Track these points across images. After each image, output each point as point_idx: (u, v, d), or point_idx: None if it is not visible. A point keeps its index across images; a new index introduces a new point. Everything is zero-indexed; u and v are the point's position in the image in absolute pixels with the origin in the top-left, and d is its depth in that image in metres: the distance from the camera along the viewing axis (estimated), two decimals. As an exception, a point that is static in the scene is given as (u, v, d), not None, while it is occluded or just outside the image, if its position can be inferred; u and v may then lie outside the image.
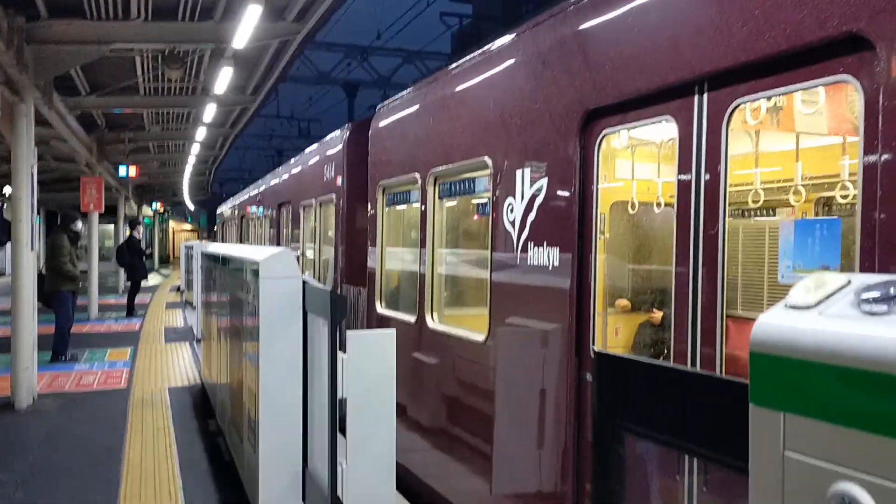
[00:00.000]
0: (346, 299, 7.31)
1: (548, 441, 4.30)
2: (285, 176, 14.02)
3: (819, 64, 2.67)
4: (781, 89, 2.86)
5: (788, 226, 2.99)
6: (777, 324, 1.09)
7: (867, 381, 0.93)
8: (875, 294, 1.02)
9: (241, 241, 21.01)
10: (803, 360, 1.02)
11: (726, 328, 5.69)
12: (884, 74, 2.41)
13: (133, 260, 19.43)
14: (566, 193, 4.17)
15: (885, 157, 2.40)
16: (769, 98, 3.36)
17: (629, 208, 5.02)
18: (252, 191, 19.51)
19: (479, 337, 5.12)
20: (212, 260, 8.79)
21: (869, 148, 2.47)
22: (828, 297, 1.09)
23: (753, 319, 4.24)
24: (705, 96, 3.20)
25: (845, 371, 0.96)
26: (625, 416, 1.51)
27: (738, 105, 3.06)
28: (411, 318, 6.30)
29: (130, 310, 19.23)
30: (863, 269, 2.46)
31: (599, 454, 1.61)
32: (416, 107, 6.70)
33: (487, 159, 5.06)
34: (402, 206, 7.21)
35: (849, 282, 1.11)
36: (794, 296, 1.12)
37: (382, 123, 7.48)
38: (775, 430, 1.05)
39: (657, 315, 5.64)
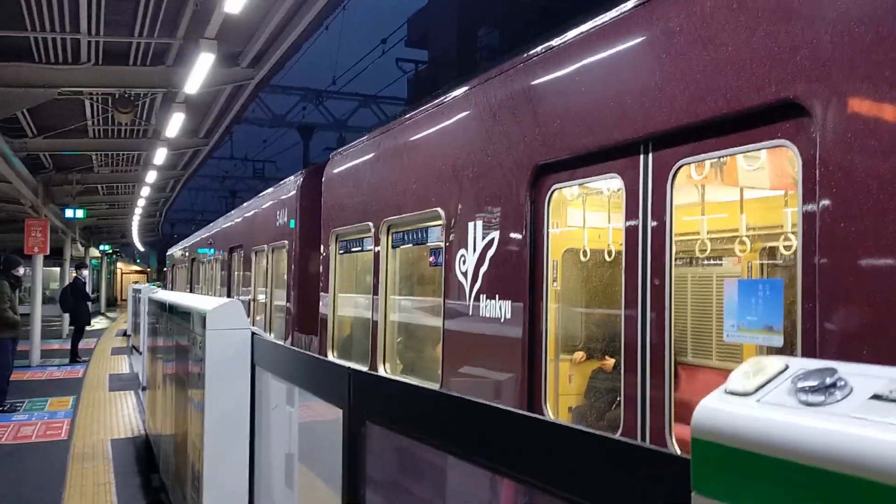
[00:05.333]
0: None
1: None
2: (237, 220, 13.87)
3: (758, 128, 2.75)
4: (723, 152, 2.94)
5: (732, 285, 3.05)
6: (717, 410, 1.09)
7: (803, 474, 0.93)
8: (811, 383, 1.03)
9: (191, 285, 20.62)
10: (742, 450, 1.02)
11: (676, 375, 5.74)
12: (819, 140, 2.49)
13: (77, 304, 18.89)
14: (517, 247, 4.19)
15: (822, 220, 2.47)
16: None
17: (581, 256, 5.08)
18: (203, 234, 19.24)
19: (432, 388, 5.06)
20: (159, 307, 8.59)
21: (807, 212, 2.54)
22: (766, 382, 1.10)
23: (703, 367, 4.29)
24: (650, 156, 3.26)
25: (781, 463, 0.96)
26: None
27: (682, 165, 3.13)
28: (364, 368, 6.22)
29: (74, 356, 18.61)
30: (804, 330, 2.51)
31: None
32: (370, 155, 6.71)
33: (440, 210, 5.08)
34: (356, 254, 7.17)
35: (786, 367, 1.12)
36: (733, 381, 1.12)
37: (336, 170, 7.47)
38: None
39: (609, 362, 5.67)
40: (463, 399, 2.13)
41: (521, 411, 1.74)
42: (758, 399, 1.06)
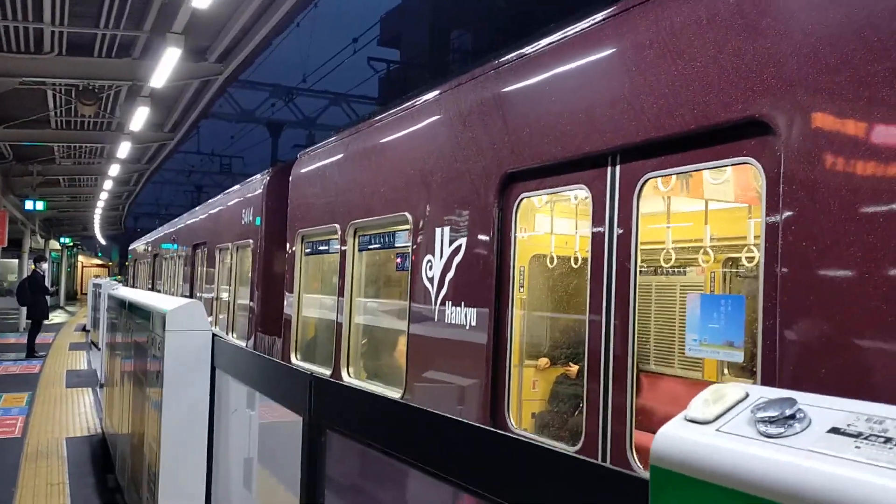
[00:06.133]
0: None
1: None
2: (202, 216, 13.68)
3: (724, 144, 2.77)
4: (689, 167, 2.95)
5: (695, 300, 3.07)
6: (676, 437, 1.08)
7: (761, 507, 0.92)
8: (770, 414, 1.03)
9: (153, 281, 20.29)
10: (699, 480, 1.01)
11: (639, 383, 5.78)
12: (783, 158, 2.51)
13: (35, 297, 18.47)
14: (484, 254, 4.18)
15: (784, 237, 2.49)
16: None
17: (548, 262, 5.09)
18: (167, 229, 18.95)
19: (395, 394, 5.04)
20: (119, 304, 8.43)
21: (770, 229, 2.56)
22: (726, 411, 1.09)
23: (666, 375, 4.32)
24: (618, 168, 3.27)
25: (738, 495, 0.96)
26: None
27: (649, 178, 3.14)
28: (326, 372, 6.16)
29: (31, 350, 18.19)
30: (764, 348, 2.53)
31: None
32: (338, 156, 6.65)
33: (408, 214, 5.05)
34: (322, 256, 7.11)
35: (746, 395, 1.12)
36: (693, 409, 1.11)
37: (303, 170, 7.39)
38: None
39: (573, 368, 5.69)
40: (422, 410, 2.11)
41: (480, 425, 1.72)
42: (717, 428, 1.05)
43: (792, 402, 1.04)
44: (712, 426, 1.06)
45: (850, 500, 0.85)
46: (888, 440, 0.91)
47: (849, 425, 0.97)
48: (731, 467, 0.97)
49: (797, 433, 0.98)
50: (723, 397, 1.11)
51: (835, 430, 0.97)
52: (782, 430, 0.99)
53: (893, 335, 2.19)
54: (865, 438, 0.93)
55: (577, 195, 4.72)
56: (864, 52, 2.31)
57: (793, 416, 1.01)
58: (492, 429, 1.61)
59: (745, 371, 4.96)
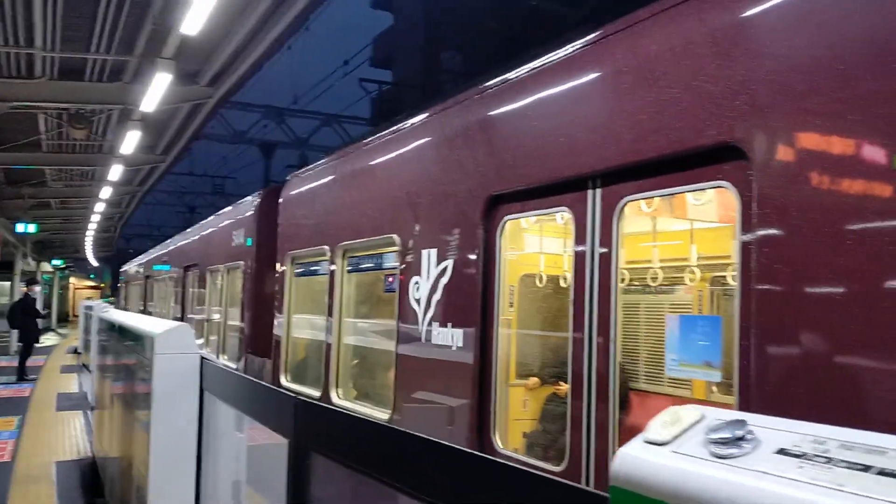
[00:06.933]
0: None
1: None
2: (194, 238, 13.70)
3: (700, 168, 2.84)
4: (667, 190, 3.02)
5: (674, 321, 3.12)
6: (634, 458, 1.13)
7: (712, 526, 0.97)
8: (722, 435, 1.07)
9: (144, 302, 20.25)
10: (656, 500, 1.05)
11: (628, 401, 5.80)
12: (756, 182, 2.58)
13: (25, 320, 18.39)
14: (470, 275, 4.23)
15: (759, 259, 2.55)
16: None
17: (537, 281, 5.13)
18: (159, 251, 18.94)
19: (384, 415, 5.06)
20: (109, 327, 8.42)
21: (745, 251, 2.62)
22: (682, 433, 1.14)
23: (656, 393, 4.35)
24: (598, 192, 3.34)
25: (693, 515, 1.00)
26: None
27: (629, 201, 3.20)
28: (316, 393, 6.18)
29: (21, 374, 18.07)
30: (741, 367, 2.58)
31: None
32: (327, 179, 6.71)
33: (395, 237, 5.10)
34: (311, 277, 7.14)
35: (702, 417, 1.16)
36: (651, 430, 1.16)
37: (293, 192, 7.45)
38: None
39: (563, 388, 5.71)
40: (403, 433, 2.14)
41: (457, 447, 1.76)
42: (673, 449, 1.10)
43: (742, 423, 1.08)
44: (668, 447, 1.10)
45: (792, 518, 0.90)
46: (829, 460, 0.96)
47: (794, 446, 1.02)
48: (684, 487, 1.01)
49: (746, 454, 1.03)
50: (680, 419, 1.15)
51: (781, 451, 1.02)
52: (733, 450, 1.04)
53: (865, 352, 2.24)
54: (809, 459, 0.98)
55: (564, 216, 4.79)
56: (830, 79, 2.38)
57: (742, 438, 1.06)
58: (460, 447, 1.65)
59: (732, 389, 5.00)
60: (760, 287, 2.53)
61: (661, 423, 1.16)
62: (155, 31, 8.35)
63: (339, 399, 5.89)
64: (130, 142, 12.17)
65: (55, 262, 41.06)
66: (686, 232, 4.97)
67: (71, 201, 23.46)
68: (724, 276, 5.34)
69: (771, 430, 1.08)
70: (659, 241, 5.07)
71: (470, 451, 1.67)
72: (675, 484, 1.03)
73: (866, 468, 0.92)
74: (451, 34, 31.82)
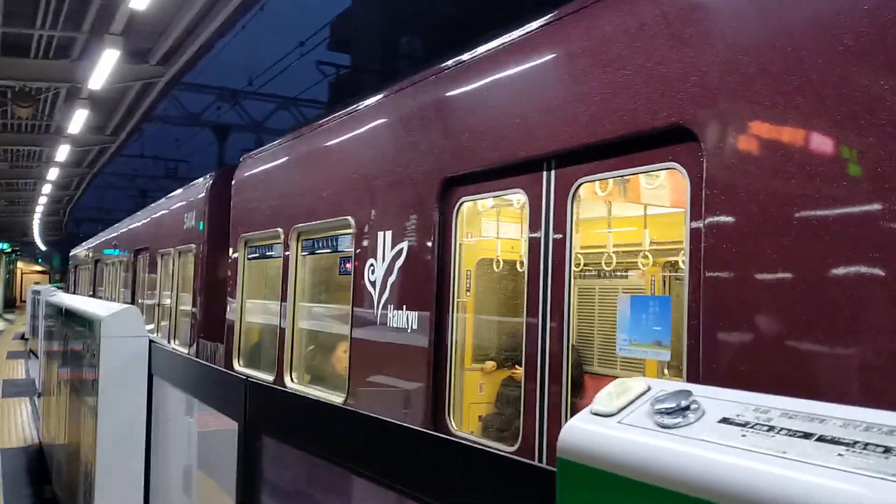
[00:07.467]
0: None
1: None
2: (144, 221, 13.40)
3: (652, 150, 2.85)
4: (620, 172, 3.03)
5: (625, 300, 3.15)
6: (581, 429, 1.12)
7: (657, 496, 0.97)
8: (668, 405, 1.07)
9: (94, 287, 19.80)
10: (603, 471, 1.05)
11: (583, 384, 5.86)
12: (706, 164, 2.60)
13: (-30, 306, 17.86)
14: (425, 258, 4.21)
15: (707, 240, 2.58)
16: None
17: (494, 266, 5.14)
18: (109, 234, 18.51)
19: (338, 399, 5.03)
20: (56, 311, 8.21)
21: (694, 232, 2.64)
22: (629, 404, 1.14)
23: (610, 376, 4.42)
24: (553, 173, 3.34)
25: (637, 485, 1.00)
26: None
27: (583, 183, 3.21)
28: (270, 378, 6.11)
29: (-36, 360, 17.58)
30: (689, 347, 2.61)
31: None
32: (282, 160, 6.61)
33: (350, 219, 5.05)
34: (265, 260, 7.05)
35: (648, 388, 1.16)
36: (598, 402, 1.16)
37: (247, 174, 7.33)
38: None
39: (519, 371, 5.75)
40: (358, 414, 2.12)
41: (406, 425, 1.74)
42: (619, 420, 1.10)
43: (687, 394, 1.09)
44: (615, 419, 1.10)
45: (735, 485, 0.90)
46: (771, 428, 0.97)
47: (738, 415, 1.02)
48: (630, 458, 1.01)
49: (690, 423, 1.03)
50: (627, 391, 1.15)
51: (725, 420, 1.02)
52: (678, 420, 1.04)
53: (808, 333, 2.29)
54: (752, 427, 0.98)
55: (519, 200, 4.80)
56: (780, 62, 2.41)
57: (687, 408, 1.06)
58: (409, 426, 1.63)
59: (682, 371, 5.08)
60: (707, 266, 2.56)
61: (608, 395, 1.16)
62: (103, 6, 8.10)
63: (292, 383, 5.84)
64: (78, 121, 11.82)
65: (1, 245, 39.90)
66: (640, 218, 5.02)
67: (17, 183, 22.75)
68: (677, 262, 5.42)
69: (715, 400, 1.08)
70: (613, 228, 5.11)
71: (420, 429, 1.66)
72: (620, 454, 1.03)
73: (807, 435, 0.93)
74: (410, 17, 31.59)
